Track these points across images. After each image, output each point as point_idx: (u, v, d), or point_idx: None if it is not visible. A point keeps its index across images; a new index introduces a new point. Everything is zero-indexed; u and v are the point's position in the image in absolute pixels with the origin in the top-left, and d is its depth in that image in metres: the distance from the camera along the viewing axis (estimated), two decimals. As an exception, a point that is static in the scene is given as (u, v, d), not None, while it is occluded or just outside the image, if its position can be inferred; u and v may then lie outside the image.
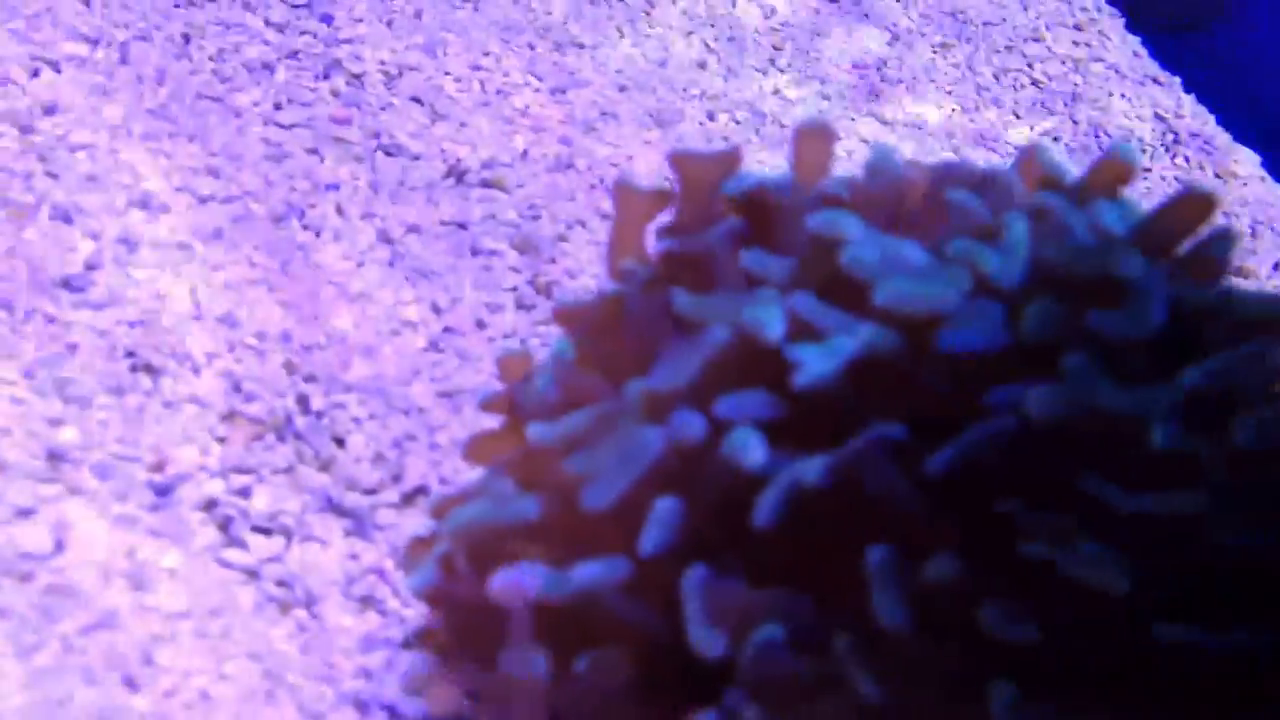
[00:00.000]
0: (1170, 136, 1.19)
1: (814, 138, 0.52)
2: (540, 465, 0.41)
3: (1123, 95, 1.23)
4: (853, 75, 1.11)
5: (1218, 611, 0.33)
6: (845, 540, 0.35)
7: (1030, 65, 1.26)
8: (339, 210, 0.75)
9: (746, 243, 0.45)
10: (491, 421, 0.50)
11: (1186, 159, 1.17)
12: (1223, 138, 1.21)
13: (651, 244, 0.50)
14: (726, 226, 0.47)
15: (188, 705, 0.46)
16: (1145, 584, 0.33)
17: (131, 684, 0.46)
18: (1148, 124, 1.20)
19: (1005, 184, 0.45)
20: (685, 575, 0.35)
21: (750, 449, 0.36)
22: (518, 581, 0.37)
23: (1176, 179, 1.14)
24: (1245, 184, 1.17)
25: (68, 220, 0.63)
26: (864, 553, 0.34)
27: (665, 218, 0.50)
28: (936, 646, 0.33)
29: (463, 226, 0.79)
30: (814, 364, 0.36)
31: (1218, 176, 1.17)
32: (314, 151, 0.78)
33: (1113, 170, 0.46)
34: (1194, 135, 1.20)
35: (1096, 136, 1.17)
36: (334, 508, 0.57)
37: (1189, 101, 1.23)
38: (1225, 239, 0.42)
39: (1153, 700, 0.33)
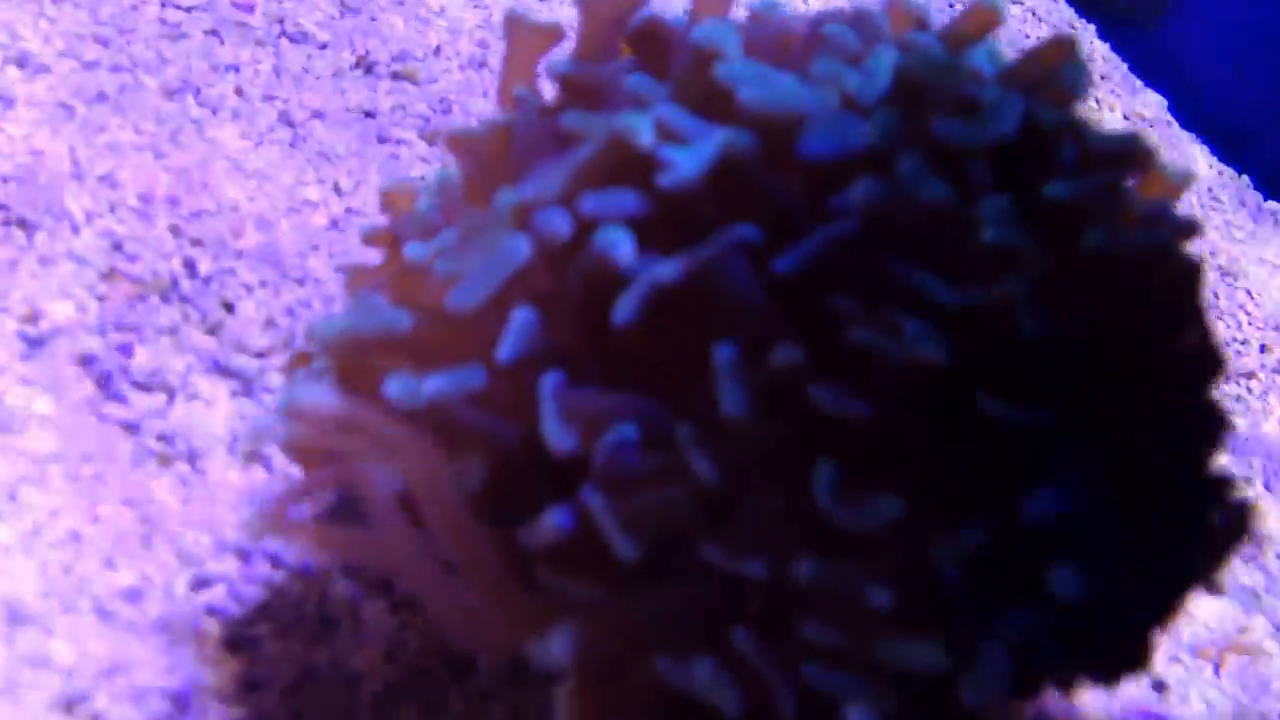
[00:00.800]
0: (1085, 76, 1.20)
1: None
2: (414, 283, 0.40)
3: (1038, 38, 1.24)
4: None
5: (1026, 392, 0.33)
6: (698, 340, 0.34)
7: (952, 5, 1.26)
8: (238, 91, 0.72)
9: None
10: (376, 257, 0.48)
11: (1097, 100, 1.19)
12: (1133, 82, 1.22)
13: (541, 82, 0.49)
14: (624, 60, 0.46)
15: (56, 543, 0.44)
16: (964, 365, 0.33)
17: (-9, 516, 0.44)
18: (1064, 62, 1.21)
19: (877, 24, 0.45)
20: (541, 380, 0.34)
21: (619, 245, 0.35)
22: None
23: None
24: (1151, 125, 1.19)
25: (-61, 76, 0.60)
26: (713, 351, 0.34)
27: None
28: (773, 432, 0.33)
29: (370, 115, 0.76)
30: (683, 164, 0.35)
31: (1126, 118, 1.19)
32: (213, 33, 0.75)
33: (980, 18, 0.46)
34: (1105, 79, 1.21)
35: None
36: (220, 369, 0.55)
37: (1103, 48, 1.24)
38: (1078, 67, 0.42)
39: (962, 472, 0.33)
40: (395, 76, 0.81)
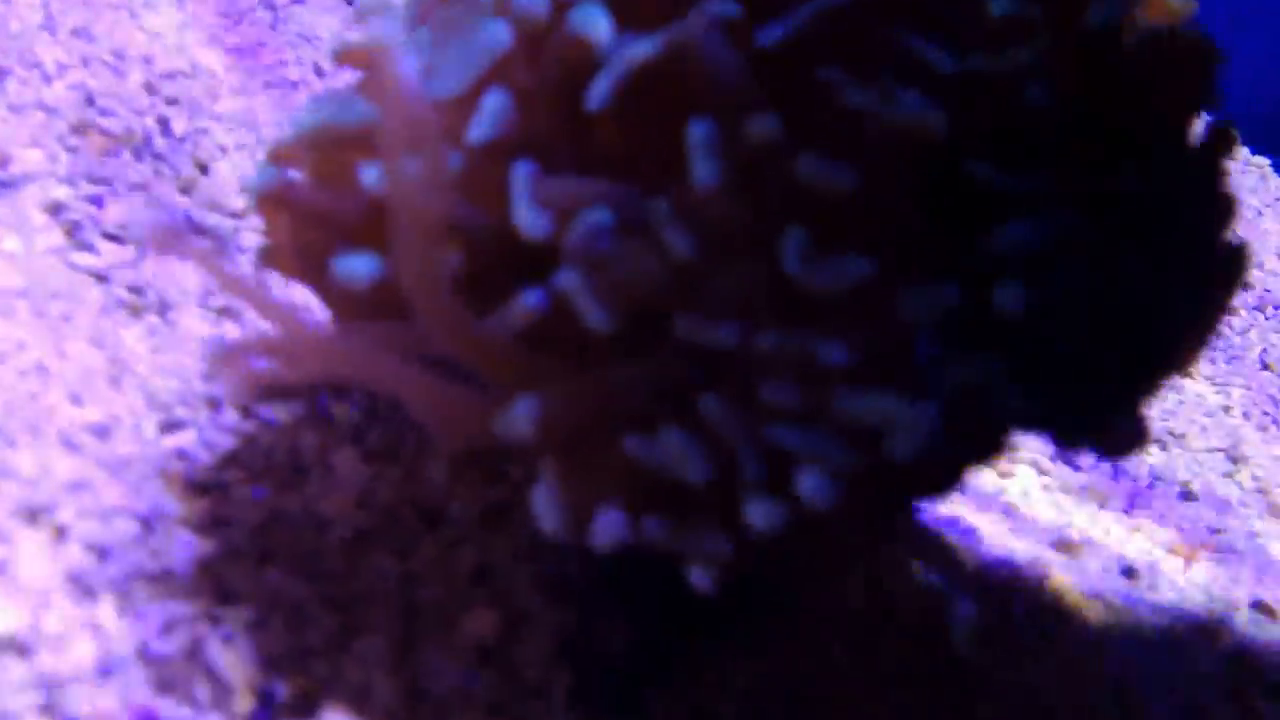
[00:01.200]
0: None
1: None
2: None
3: None
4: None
5: (1024, 160, 0.32)
6: (676, 123, 0.33)
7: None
8: (216, -30, 0.71)
9: None
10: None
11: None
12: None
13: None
14: None
15: (22, 372, 0.43)
16: (959, 135, 0.32)
17: (-46, 338, 0.43)
18: None
19: None
20: (513, 168, 0.33)
21: (595, 22, 0.33)
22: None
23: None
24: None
25: (-91, -73, 0.58)
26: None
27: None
28: (755, 210, 0.32)
29: (351, 3, 0.75)
30: None
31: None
32: (192, -89, 0.73)
33: None
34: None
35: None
36: (194, 226, 0.54)
37: None
38: None
39: (944, 243, 0.32)
40: (379, -33, 0.80)
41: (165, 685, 0.35)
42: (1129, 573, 0.58)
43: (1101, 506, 0.67)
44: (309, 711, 0.37)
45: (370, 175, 0.34)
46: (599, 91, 0.33)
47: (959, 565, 0.47)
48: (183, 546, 0.40)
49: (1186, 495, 0.71)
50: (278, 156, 0.38)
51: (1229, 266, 0.36)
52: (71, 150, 0.53)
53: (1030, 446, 0.68)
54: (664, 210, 0.32)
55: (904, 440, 0.30)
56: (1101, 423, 0.34)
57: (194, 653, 0.36)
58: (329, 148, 0.37)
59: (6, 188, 0.50)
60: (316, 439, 0.47)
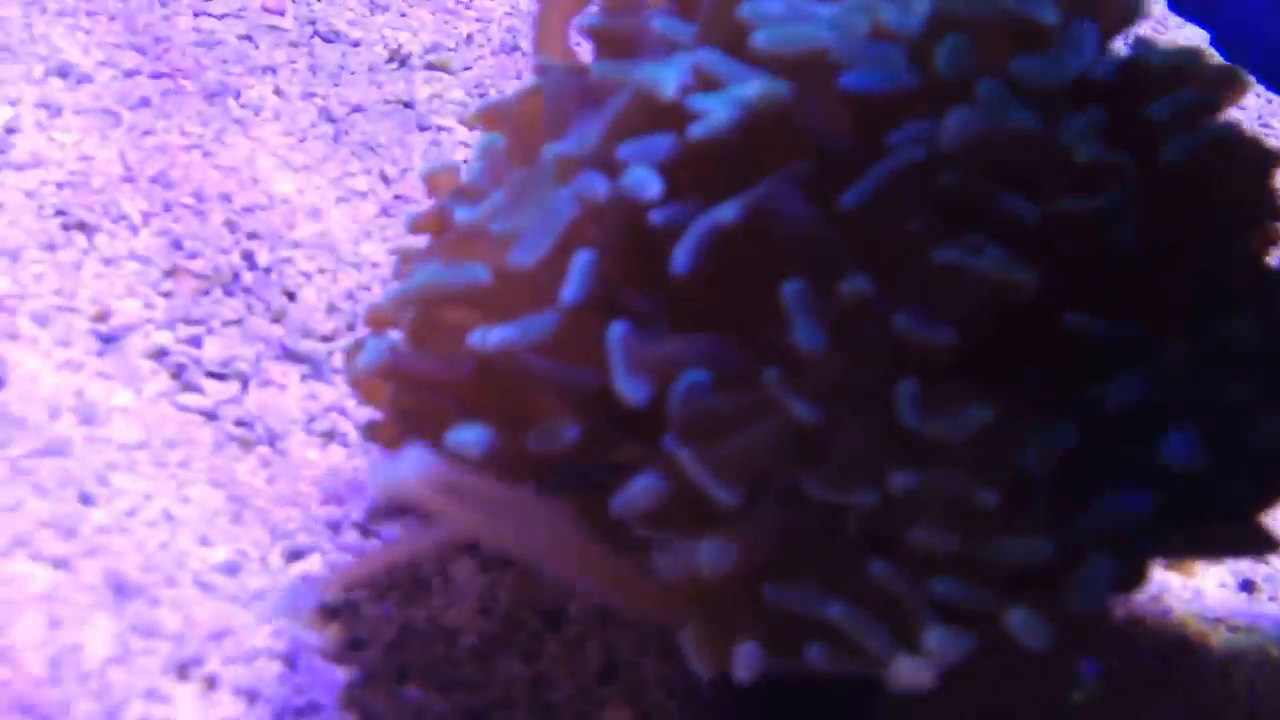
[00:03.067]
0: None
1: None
2: (470, 247, 0.40)
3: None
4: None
5: (1117, 304, 0.33)
6: (761, 283, 0.34)
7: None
8: (277, 91, 0.73)
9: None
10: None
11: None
12: (1168, 18, 1.21)
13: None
14: (656, 7, 0.46)
15: (150, 523, 0.45)
16: (1051, 282, 0.32)
17: (87, 500, 0.45)
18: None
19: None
20: (608, 331, 0.34)
21: (646, 183, 0.35)
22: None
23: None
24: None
25: (-14, 91, 0.61)
26: (780, 290, 0.34)
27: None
28: (855, 364, 0.33)
29: (408, 105, 0.77)
30: (717, 112, 0.35)
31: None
32: (247, 38, 0.76)
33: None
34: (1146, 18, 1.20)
35: None
36: (289, 354, 0.56)
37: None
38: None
39: (1043, 379, 0.33)
40: (429, 67, 0.82)
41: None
42: (1248, 586, 0.57)
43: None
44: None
45: (479, 337, 0.36)
46: (683, 257, 0.34)
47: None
48: (325, 675, 0.41)
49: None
50: (377, 319, 0.40)
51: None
52: (166, 295, 0.56)
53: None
54: (776, 377, 0.33)
55: (1087, 592, 0.31)
56: (1237, 544, 0.34)
57: (349, 785, 0.38)
58: (432, 309, 0.38)
59: (111, 341, 0.53)
60: (433, 551, 0.48)
